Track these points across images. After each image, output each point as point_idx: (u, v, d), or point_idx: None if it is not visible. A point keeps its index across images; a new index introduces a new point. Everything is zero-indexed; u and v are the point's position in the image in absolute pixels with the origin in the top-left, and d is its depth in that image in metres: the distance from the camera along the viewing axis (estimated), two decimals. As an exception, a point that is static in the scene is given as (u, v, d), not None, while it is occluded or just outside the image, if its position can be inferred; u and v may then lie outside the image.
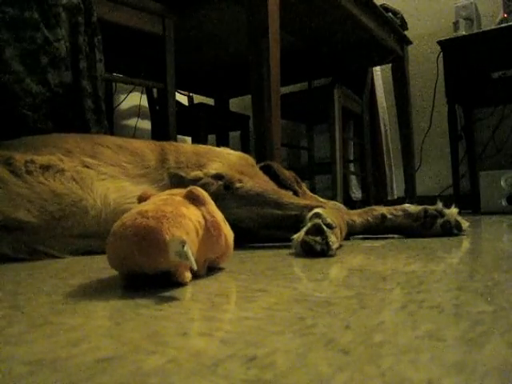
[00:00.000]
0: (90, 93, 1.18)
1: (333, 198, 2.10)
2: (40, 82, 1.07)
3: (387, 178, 2.76)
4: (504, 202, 2.16)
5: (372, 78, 2.64)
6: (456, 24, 2.39)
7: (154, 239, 0.42)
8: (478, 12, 2.46)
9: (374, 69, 2.66)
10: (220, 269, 0.56)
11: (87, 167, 0.85)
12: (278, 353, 0.24)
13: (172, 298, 0.40)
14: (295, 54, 2.23)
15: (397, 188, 2.76)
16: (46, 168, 0.79)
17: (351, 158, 2.80)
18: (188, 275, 0.44)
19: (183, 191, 0.51)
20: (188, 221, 0.45)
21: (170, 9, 1.52)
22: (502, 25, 2.23)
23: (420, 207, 0.91)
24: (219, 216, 0.52)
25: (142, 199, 0.51)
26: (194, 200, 0.49)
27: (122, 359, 0.24)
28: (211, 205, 0.52)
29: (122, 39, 1.57)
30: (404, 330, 0.28)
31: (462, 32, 2.34)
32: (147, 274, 0.44)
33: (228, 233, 0.53)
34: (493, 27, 2.26)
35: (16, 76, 1.02)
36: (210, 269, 0.53)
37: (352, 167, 2.81)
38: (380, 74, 2.78)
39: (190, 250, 0.42)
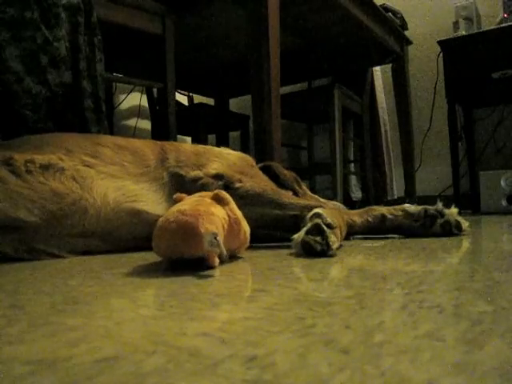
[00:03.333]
0: (90, 93, 1.18)
1: (333, 198, 2.10)
2: (40, 82, 1.07)
3: (387, 178, 2.75)
4: (504, 202, 2.16)
5: (372, 78, 2.64)
6: (456, 24, 2.39)
7: (192, 232, 0.53)
8: (478, 12, 2.46)
9: (374, 69, 2.66)
10: (239, 257, 0.67)
11: (87, 166, 0.85)
12: (277, 353, 0.24)
13: (172, 298, 0.40)
14: (295, 54, 2.23)
15: (397, 188, 2.76)
16: (46, 167, 0.79)
17: (351, 158, 2.80)
18: (216, 260, 0.55)
19: (211, 194, 0.63)
20: (217, 218, 0.57)
21: (170, 9, 1.52)
22: (502, 25, 2.23)
23: (420, 207, 0.91)
24: (239, 214, 0.63)
25: (177, 200, 0.63)
26: (220, 201, 0.61)
27: (121, 359, 0.24)
28: (233, 204, 0.63)
29: (122, 39, 1.57)
30: (404, 330, 0.28)
31: (462, 32, 2.34)
32: (185, 259, 0.55)
33: (246, 228, 0.65)
34: (493, 27, 2.26)
35: (16, 76, 1.02)
36: (230, 257, 0.62)
37: (352, 167, 2.81)
38: (380, 74, 2.78)
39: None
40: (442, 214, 0.90)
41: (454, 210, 0.91)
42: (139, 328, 0.30)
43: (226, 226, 0.58)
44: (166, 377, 0.21)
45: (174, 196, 0.65)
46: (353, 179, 2.77)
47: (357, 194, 2.78)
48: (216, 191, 0.62)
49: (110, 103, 2.32)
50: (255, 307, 0.35)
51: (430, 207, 0.90)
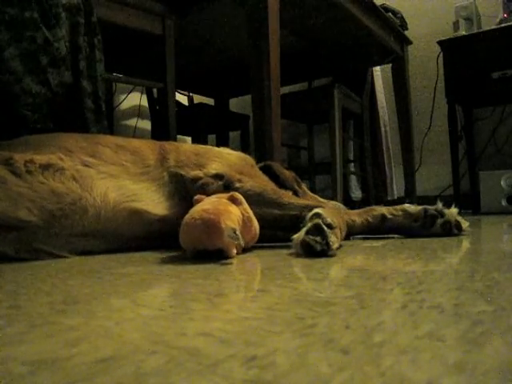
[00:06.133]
0: (90, 93, 1.18)
1: (333, 198, 2.10)
2: (40, 82, 1.07)
3: (387, 178, 2.75)
4: (504, 202, 2.16)
5: (372, 78, 2.64)
6: (456, 24, 2.39)
7: (215, 228, 0.62)
8: (478, 12, 2.46)
9: (374, 69, 2.66)
10: (248, 252, 0.75)
11: (87, 166, 0.85)
12: (277, 353, 0.24)
13: (172, 298, 0.40)
14: (295, 54, 2.23)
15: (397, 188, 2.76)
16: (45, 167, 0.79)
17: (351, 158, 2.80)
18: (234, 251, 0.65)
19: (227, 195, 0.72)
20: (234, 215, 0.67)
21: (170, 9, 1.52)
22: (502, 25, 2.23)
23: (420, 207, 0.91)
24: (251, 213, 0.74)
25: (198, 201, 0.72)
26: (235, 201, 0.71)
27: (122, 359, 0.24)
28: (246, 204, 0.74)
29: (121, 39, 1.57)
30: (404, 330, 0.28)
31: (462, 32, 2.34)
32: (208, 251, 0.64)
33: (256, 225, 0.75)
34: (493, 27, 2.26)
35: (16, 76, 1.02)
36: (243, 250, 0.72)
37: (352, 167, 2.81)
38: (380, 74, 2.78)
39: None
40: (441, 214, 0.90)
41: (453, 210, 0.91)
42: (139, 328, 0.30)
43: (240, 222, 0.68)
44: (166, 377, 0.21)
45: (195, 197, 0.74)
46: (353, 179, 2.77)
47: (357, 193, 2.78)
48: (231, 193, 0.72)
49: (110, 103, 2.32)
50: (255, 307, 0.35)
51: (429, 207, 0.90)
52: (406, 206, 0.93)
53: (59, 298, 0.41)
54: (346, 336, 0.27)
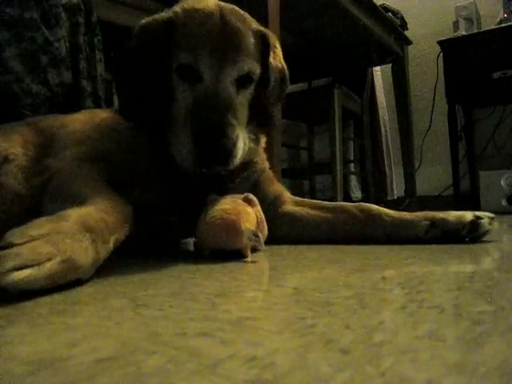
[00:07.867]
0: (90, 93, 1.18)
1: (333, 198, 2.10)
2: (40, 82, 1.06)
3: (387, 178, 2.75)
4: (504, 202, 2.16)
5: (372, 78, 2.64)
6: (456, 24, 2.39)
7: (234, 228, 0.63)
8: (478, 12, 2.46)
9: (374, 69, 2.66)
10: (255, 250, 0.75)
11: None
12: (277, 353, 0.24)
13: (172, 298, 0.40)
14: (295, 54, 2.23)
15: (397, 188, 2.76)
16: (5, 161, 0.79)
17: (351, 158, 2.80)
18: (249, 252, 0.65)
19: (242, 196, 0.72)
20: (252, 217, 0.68)
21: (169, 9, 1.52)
22: (502, 25, 2.23)
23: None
24: (263, 214, 0.75)
25: (210, 201, 0.72)
26: (250, 202, 0.72)
27: (121, 359, 0.24)
28: (259, 206, 0.74)
29: (122, 39, 1.57)
30: (404, 330, 0.28)
31: (462, 32, 2.34)
32: (225, 250, 0.64)
33: (266, 226, 0.76)
34: (493, 27, 2.26)
35: (16, 76, 1.02)
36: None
37: (352, 167, 2.81)
38: (380, 74, 2.78)
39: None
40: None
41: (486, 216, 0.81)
42: (139, 328, 0.30)
43: (256, 224, 0.70)
44: (166, 377, 0.21)
45: (208, 197, 0.73)
46: (353, 179, 2.77)
47: (357, 193, 2.78)
48: (246, 194, 0.72)
49: (110, 103, 2.31)
50: (255, 307, 0.35)
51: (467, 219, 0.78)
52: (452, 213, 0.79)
53: (59, 298, 0.41)
54: (346, 336, 0.27)
